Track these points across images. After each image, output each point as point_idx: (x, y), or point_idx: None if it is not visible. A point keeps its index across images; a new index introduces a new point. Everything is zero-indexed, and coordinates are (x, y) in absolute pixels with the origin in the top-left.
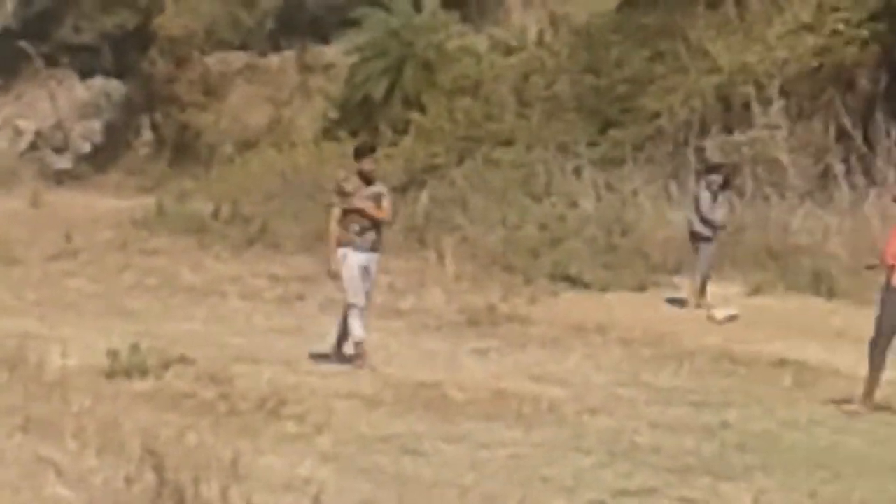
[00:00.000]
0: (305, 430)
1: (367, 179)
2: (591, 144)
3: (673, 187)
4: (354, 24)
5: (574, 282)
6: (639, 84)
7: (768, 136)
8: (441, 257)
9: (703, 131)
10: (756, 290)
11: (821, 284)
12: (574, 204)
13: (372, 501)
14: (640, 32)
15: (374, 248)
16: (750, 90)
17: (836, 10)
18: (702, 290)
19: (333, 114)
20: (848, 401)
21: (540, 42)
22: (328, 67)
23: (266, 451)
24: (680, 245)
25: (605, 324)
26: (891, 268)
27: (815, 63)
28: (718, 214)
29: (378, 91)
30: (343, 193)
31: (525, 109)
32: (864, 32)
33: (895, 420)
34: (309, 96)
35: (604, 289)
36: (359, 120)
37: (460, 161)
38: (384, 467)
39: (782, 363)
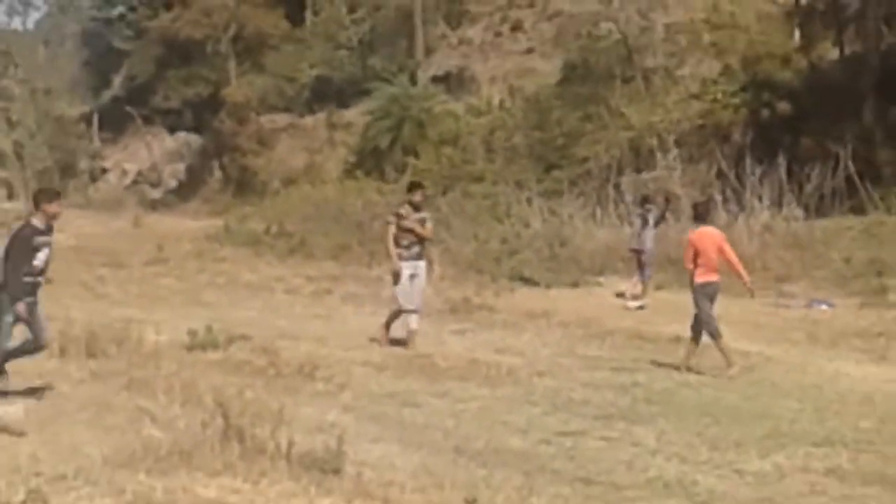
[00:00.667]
0: (332, 388)
1: (416, 207)
2: (539, 181)
3: (598, 212)
4: (368, 93)
5: (527, 281)
6: (573, 137)
7: (667, 175)
8: (430, 263)
9: (620, 171)
10: (659, 287)
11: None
12: (527, 224)
13: (380, 439)
14: (574, 100)
15: (419, 257)
16: (654, 142)
17: (715, 83)
18: (644, 288)
19: (352, 159)
20: (729, 367)
21: (501, 107)
22: (348, 125)
23: (303, 403)
24: (603, 253)
25: (549, 311)
26: (690, 272)
27: (700, 122)
28: (647, 237)
29: (384, 142)
30: (399, 217)
31: (491, 156)
32: (736, 100)
33: (761, 381)
34: (334, 146)
35: (548, 286)
36: (370, 164)
37: (444, 193)
38: (389, 415)
39: (678, 339)
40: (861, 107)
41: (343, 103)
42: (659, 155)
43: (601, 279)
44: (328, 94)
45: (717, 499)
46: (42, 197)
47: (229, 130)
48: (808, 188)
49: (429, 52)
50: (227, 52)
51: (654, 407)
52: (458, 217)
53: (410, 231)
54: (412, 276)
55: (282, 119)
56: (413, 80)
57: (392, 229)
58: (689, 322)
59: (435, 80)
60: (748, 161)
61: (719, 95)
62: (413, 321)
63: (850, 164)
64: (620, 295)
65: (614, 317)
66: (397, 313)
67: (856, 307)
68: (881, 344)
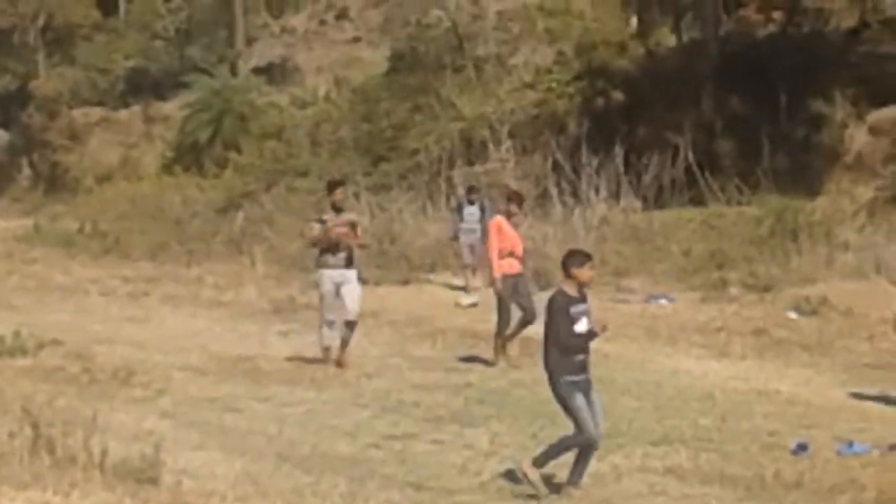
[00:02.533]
0: (149, 394)
1: (338, 209)
2: (367, 175)
3: (429, 207)
4: (186, 85)
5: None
6: (402, 129)
7: (500, 167)
8: (253, 262)
9: (451, 164)
10: (491, 284)
11: (540, 278)
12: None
13: (201, 447)
14: (403, 90)
15: (348, 265)
16: (486, 133)
17: (549, 72)
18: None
19: (170, 154)
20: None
21: (327, 98)
22: (166, 119)
23: (119, 410)
24: (434, 249)
25: (378, 310)
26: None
27: (535, 112)
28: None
29: (204, 136)
30: (324, 224)
31: (317, 149)
32: (571, 89)
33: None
34: (151, 141)
35: (377, 283)
36: (190, 159)
37: (268, 189)
38: (210, 421)
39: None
40: (700, 95)
41: (160, 96)
42: (492, 146)
43: (432, 276)
44: (144, 87)
45: (552, 502)
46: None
47: (39, 125)
48: (646, 179)
49: (250, 41)
50: (36, 44)
51: (488, 408)
52: (283, 213)
53: (336, 238)
54: (340, 286)
55: (95, 113)
56: (234, 72)
57: (315, 232)
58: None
59: (257, 71)
60: (584, 152)
61: (553, 84)
62: (327, 335)
63: (689, 153)
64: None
65: (446, 315)
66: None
67: (696, 301)
68: (722, 339)
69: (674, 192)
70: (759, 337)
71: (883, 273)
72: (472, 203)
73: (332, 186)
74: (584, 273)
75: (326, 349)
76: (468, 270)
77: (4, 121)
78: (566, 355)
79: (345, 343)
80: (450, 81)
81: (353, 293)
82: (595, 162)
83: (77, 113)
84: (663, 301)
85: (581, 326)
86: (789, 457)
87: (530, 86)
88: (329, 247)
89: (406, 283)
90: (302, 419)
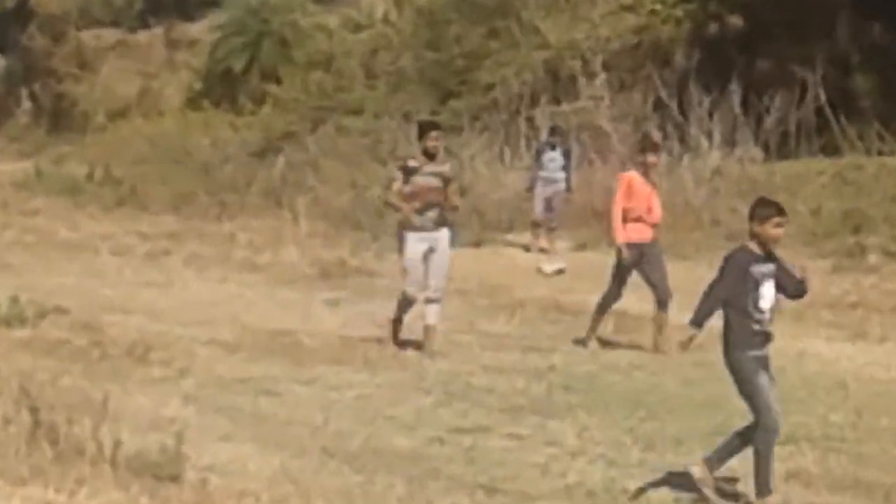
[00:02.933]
0: (170, 373)
1: (431, 156)
2: (433, 114)
3: (507, 153)
4: (217, 4)
5: None
6: (475, 59)
7: (593, 106)
8: (295, 216)
9: (534, 102)
10: (581, 246)
11: None
12: None
13: (230, 438)
14: (476, 12)
15: (438, 225)
16: (576, 64)
17: None
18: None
19: (197, 85)
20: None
21: (386, 20)
22: (193, 43)
23: (134, 393)
24: (513, 204)
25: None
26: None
27: (634, 40)
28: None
29: (238, 65)
30: (408, 171)
31: (372, 82)
32: (679, 12)
33: (707, 363)
34: (175, 69)
35: None
36: (220, 92)
37: (314, 129)
38: (242, 407)
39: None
40: (834, 22)
41: (186, 16)
42: (582, 81)
43: (510, 236)
44: (167, 5)
45: None
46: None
47: (41, 49)
48: (768, 122)
49: None
50: None
51: (575, 396)
52: (331, 159)
53: (428, 192)
54: (428, 252)
55: (109, 35)
56: None
57: (398, 187)
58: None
59: None
60: (693, 89)
61: (658, 7)
62: (432, 313)
63: (821, 92)
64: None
65: (526, 283)
66: (407, 302)
67: (827, 271)
68: (857, 317)
69: (801, 139)
70: None
71: None
72: (553, 147)
73: (425, 129)
74: (766, 230)
75: (396, 322)
76: (543, 230)
77: (1, 44)
78: (745, 325)
79: (428, 327)
80: (533, 1)
81: (440, 264)
82: (707, 101)
83: (87, 35)
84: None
85: (765, 291)
86: None
87: (629, 8)
88: (419, 204)
89: (478, 244)
90: (352, 407)
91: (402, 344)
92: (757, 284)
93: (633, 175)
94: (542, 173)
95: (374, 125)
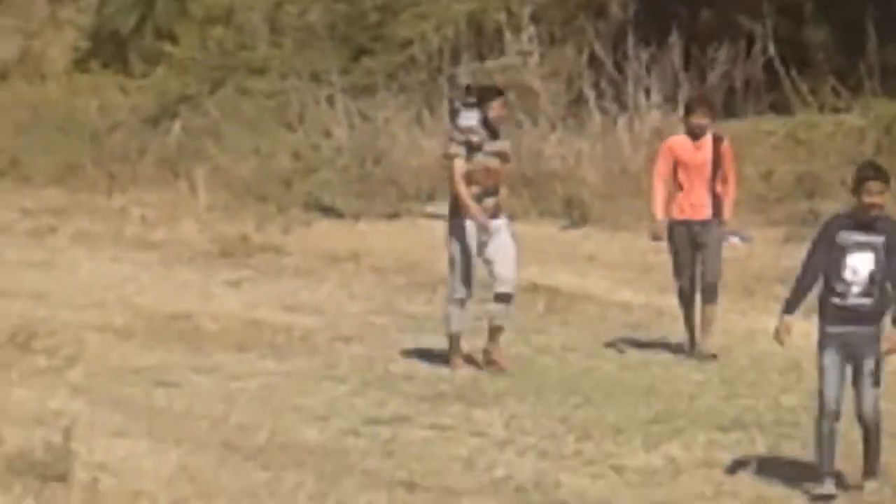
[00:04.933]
0: (56, 363)
1: (493, 131)
2: (344, 73)
3: (426, 115)
4: None
5: (327, 211)
6: (391, 12)
7: (521, 63)
8: (193, 188)
9: (456, 59)
10: (510, 217)
11: (573, 210)
12: (327, 133)
13: (123, 433)
14: None
15: (497, 212)
16: (502, 17)
17: None
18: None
19: (84, 45)
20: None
21: None
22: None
23: (17, 384)
24: (433, 172)
25: (358, 252)
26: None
27: None
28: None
29: (129, 23)
30: (471, 147)
31: (278, 38)
32: None
33: (648, 344)
34: (59, 28)
35: (357, 217)
36: (110, 52)
37: (213, 91)
38: (136, 399)
39: (535, 289)
40: None
41: None
42: (509, 35)
43: (430, 208)
44: None
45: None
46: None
47: None
48: (713, 78)
49: None
50: None
51: (503, 382)
52: (233, 123)
53: (487, 175)
54: (485, 245)
55: None
56: None
57: (460, 166)
58: (549, 263)
59: None
60: (630, 42)
61: None
62: (455, 317)
63: (770, 45)
64: None
65: (445, 259)
66: (459, 303)
67: (779, 241)
68: (812, 291)
69: (749, 97)
70: None
71: None
72: (469, 107)
73: (487, 95)
74: (861, 197)
75: (455, 338)
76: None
77: None
78: (826, 297)
79: (495, 330)
80: None
81: (506, 254)
82: (645, 56)
83: None
84: (735, 240)
85: (852, 261)
86: None
87: None
88: (477, 189)
89: (395, 216)
90: (256, 397)
91: (466, 362)
92: (844, 253)
93: (678, 140)
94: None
95: (279, 86)
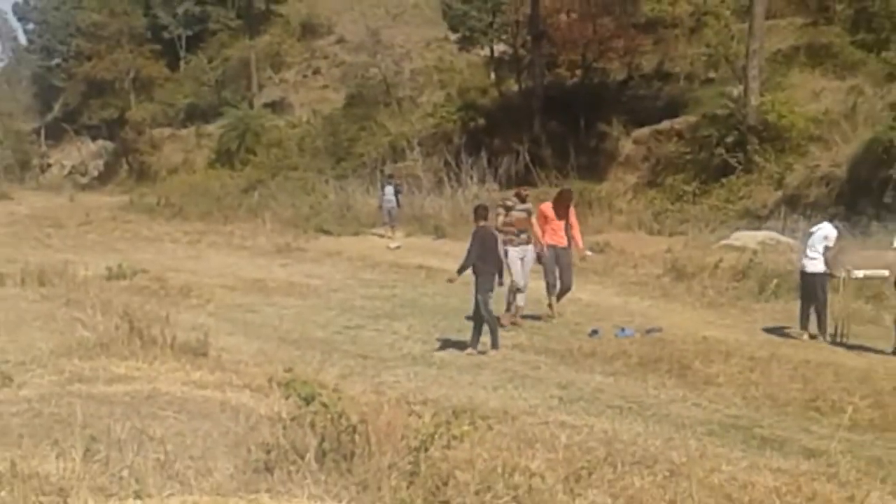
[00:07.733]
0: (201, 302)
1: (522, 199)
2: (333, 169)
3: (371, 188)
4: (221, 114)
5: (326, 232)
6: (354, 141)
7: (413, 164)
8: (263, 222)
9: (384, 162)
10: (409, 235)
11: (438, 231)
12: (325, 196)
13: (232, 333)
14: (354, 117)
15: (527, 243)
16: (404, 143)
17: (442, 106)
18: (393, 233)
19: (213, 157)
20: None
21: (308, 122)
22: (210, 135)
23: (182, 312)
24: (373, 213)
25: (340, 251)
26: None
27: (433, 131)
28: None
29: (234, 146)
30: (506, 207)
31: (302, 153)
32: (455, 117)
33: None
34: (201, 148)
35: (339, 235)
36: (225, 159)
37: (272, 177)
38: (238, 318)
39: (421, 267)
40: (532, 121)
41: (206, 121)
42: (407, 151)
43: (373, 230)
44: (196, 115)
45: (445, 365)
46: None
47: (132, 139)
48: (501, 171)
49: (260, 87)
50: (129, 88)
51: (406, 309)
52: (282, 192)
53: (520, 222)
54: (522, 260)
55: (166, 131)
56: (251, 106)
57: (502, 220)
58: (427, 256)
59: (265, 105)
60: (463, 155)
61: (444, 114)
62: (521, 298)
63: (526, 156)
64: (382, 236)
65: (381, 254)
66: (516, 289)
67: None
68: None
69: (517, 179)
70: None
71: (643, 228)
72: (388, 184)
73: (521, 188)
74: None
75: (518, 309)
76: (387, 227)
77: (111, 136)
78: None
79: (517, 309)
80: (382, 112)
81: (524, 267)
82: (470, 161)
83: (155, 131)
84: (589, 254)
85: None
86: (587, 338)
87: (431, 115)
88: (516, 230)
89: (357, 234)
90: (293, 316)
91: (514, 319)
92: None
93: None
94: (385, 197)
95: (303, 175)
